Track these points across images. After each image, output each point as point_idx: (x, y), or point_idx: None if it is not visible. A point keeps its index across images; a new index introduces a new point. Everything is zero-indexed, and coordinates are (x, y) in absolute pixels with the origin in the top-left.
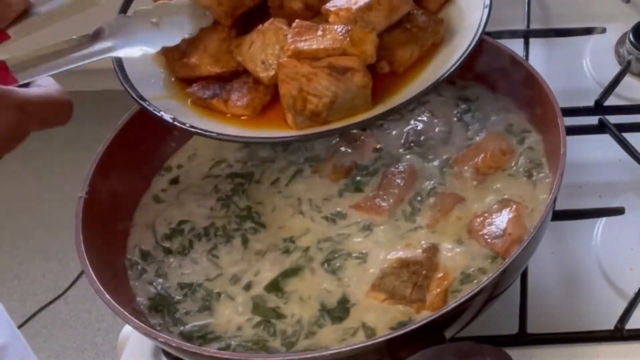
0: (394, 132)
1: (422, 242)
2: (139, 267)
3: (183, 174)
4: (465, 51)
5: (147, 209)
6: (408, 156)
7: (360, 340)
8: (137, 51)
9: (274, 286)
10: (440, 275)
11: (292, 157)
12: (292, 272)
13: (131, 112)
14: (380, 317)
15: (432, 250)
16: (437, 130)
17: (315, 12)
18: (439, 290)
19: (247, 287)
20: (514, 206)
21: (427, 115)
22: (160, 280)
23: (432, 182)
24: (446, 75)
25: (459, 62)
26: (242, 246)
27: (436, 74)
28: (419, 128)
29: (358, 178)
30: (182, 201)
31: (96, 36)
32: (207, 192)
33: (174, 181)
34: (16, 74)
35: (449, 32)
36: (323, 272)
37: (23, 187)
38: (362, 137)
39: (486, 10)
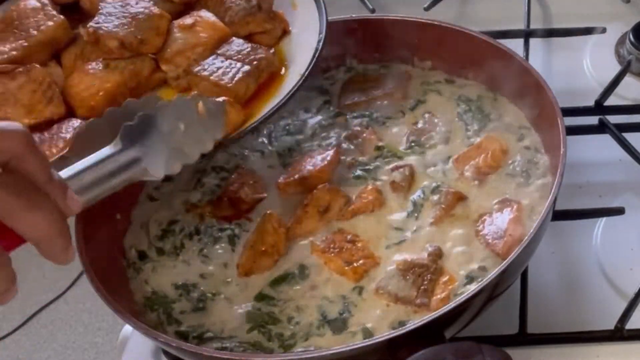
0: (395, 131)
1: (427, 244)
2: (136, 267)
3: None
4: (285, 96)
5: (143, 208)
6: (409, 155)
7: (360, 340)
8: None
9: (265, 293)
10: (445, 279)
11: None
12: (281, 278)
13: None
14: (380, 318)
15: (437, 253)
16: (437, 129)
17: (132, 52)
18: (443, 294)
19: (239, 289)
20: (515, 206)
21: (428, 115)
22: (156, 279)
23: (433, 182)
24: (266, 116)
25: (273, 109)
26: (228, 246)
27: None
28: (419, 127)
29: (359, 172)
30: (170, 200)
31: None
32: (191, 187)
33: (167, 178)
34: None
35: (291, 59)
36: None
37: None
38: (365, 135)
39: (321, 42)
